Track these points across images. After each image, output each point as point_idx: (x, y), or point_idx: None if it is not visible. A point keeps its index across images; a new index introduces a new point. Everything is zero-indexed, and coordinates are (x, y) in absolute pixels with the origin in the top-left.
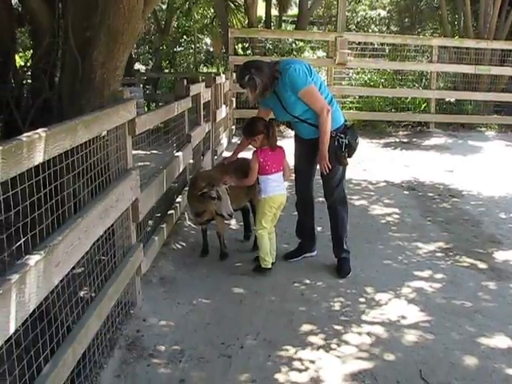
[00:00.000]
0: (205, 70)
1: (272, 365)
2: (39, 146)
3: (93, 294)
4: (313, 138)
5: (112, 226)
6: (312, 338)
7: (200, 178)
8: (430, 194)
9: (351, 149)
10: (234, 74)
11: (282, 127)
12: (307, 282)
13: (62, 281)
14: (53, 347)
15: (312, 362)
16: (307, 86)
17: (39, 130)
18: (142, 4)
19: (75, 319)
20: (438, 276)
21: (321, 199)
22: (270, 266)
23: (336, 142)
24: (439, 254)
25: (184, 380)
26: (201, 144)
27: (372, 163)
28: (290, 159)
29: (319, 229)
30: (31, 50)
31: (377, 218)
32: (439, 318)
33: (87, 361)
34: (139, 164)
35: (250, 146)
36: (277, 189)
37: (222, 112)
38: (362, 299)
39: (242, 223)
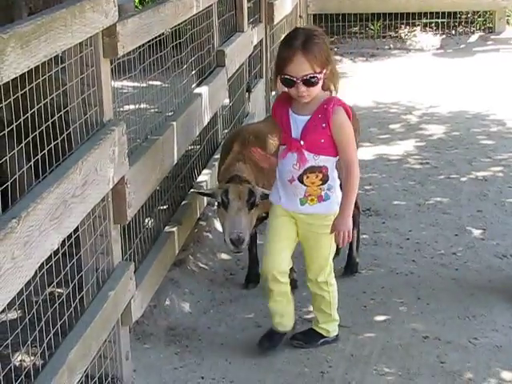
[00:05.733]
0: None
1: None
2: None
3: (39, 362)
4: None
5: (75, 231)
6: None
7: (241, 140)
8: None
9: None
10: None
11: (406, 31)
12: (452, 338)
13: None
14: None
15: None
16: None
17: None
18: None
19: None
20: None
21: None
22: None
23: None
24: None
25: None
26: (244, 69)
27: None
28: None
29: None
30: None
31: None
32: None
33: None
34: (126, 108)
35: None
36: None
37: (286, 4)
38: None
39: None
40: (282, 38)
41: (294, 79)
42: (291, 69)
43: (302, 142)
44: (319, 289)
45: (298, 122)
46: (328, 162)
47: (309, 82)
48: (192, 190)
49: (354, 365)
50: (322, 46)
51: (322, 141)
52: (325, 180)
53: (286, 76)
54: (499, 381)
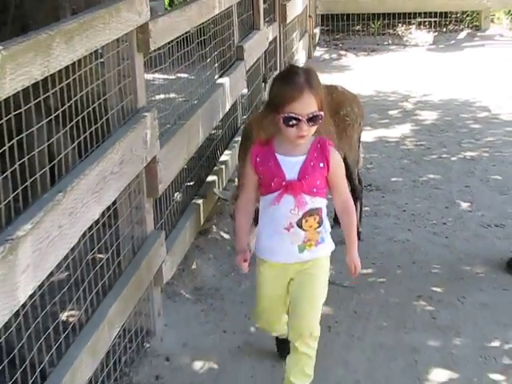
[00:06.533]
0: None
1: None
2: None
3: (83, 317)
4: None
5: (114, 204)
6: None
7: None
8: None
9: None
10: None
11: (403, 29)
12: (442, 296)
13: (32, 296)
14: None
15: None
16: None
17: None
18: None
19: (54, 359)
20: None
21: None
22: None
23: None
24: None
25: None
26: (261, 62)
27: None
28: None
29: None
30: None
31: None
32: None
33: None
34: (158, 97)
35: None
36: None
37: (297, 5)
38: None
39: None
40: (279, 76)
41: (300, 117)
42: (297, 107)
43: (303, 183)
44: (307, 347)
45: (290, 164)
46: (322, 203)
47: (313, 120)
48: (214, 190)
49: (356, 320)
50: (320, 83)
51: (318, 182)
52: (320, 223)
53: (290, 115)
54: (484, 334)
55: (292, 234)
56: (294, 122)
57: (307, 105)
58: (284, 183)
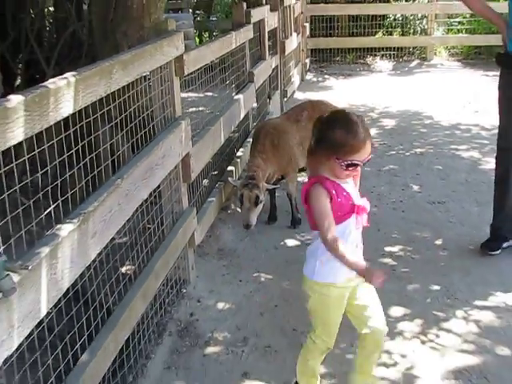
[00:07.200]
0: None
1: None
2: (68, 94)
3: (137, 270)
4: None
5: (158, 187)
6: (404, 326)
7: (264, 132)
8: None
9: None
10: None
11: (370, 59)
12: (400, 254)
13: (99, 254)
14: (91, 333)
15: (404, 355)
16: None
17: (67, 75)
18: None
19: (116, 300)
20: None
21: None
22: None
23: None
24: None
25: (247, 373)
26: (266, 83)
27: (487, 102)
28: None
29: None
30: None
31: (490, 174)
32: None
33: (131, 349)
34: (190, 110)
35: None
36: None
37: (293, 42)
38: (470, 278)
39: None
40: (341, 125)
41: (359, 163)
42: (360, 155)
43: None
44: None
45: (350, 190)
46: None
47: (365, 163)
48: (228, 178)
49: None
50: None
51: None
52: None
53: (354, 162)
54: (429, 281)
55: (359, 249)
56: (354, 167)
57: (366, 153)
58: (357, 206)
